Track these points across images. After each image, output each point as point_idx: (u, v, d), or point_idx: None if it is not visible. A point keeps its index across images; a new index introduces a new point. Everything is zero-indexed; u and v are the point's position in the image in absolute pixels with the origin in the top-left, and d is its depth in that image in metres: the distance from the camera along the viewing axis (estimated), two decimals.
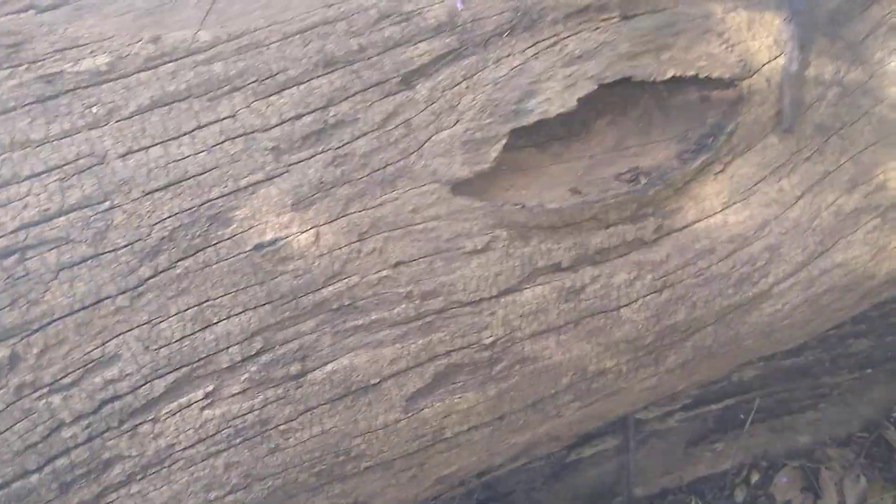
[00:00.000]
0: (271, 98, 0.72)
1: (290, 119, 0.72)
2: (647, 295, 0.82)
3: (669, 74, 0.80)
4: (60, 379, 0.64)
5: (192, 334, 0.67)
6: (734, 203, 0.85)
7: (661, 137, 0.83)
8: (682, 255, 0.83)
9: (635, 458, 1.21)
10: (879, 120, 0.91)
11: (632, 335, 0.83)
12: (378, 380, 0.74)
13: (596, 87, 0.77)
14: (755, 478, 1.25)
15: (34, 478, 0.65)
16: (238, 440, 0.70)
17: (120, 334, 0.66)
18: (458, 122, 0.75)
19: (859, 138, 0.90)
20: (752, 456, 1.27)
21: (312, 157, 0.72)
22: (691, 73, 0.81)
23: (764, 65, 0.85)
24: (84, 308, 0.65)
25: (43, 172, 0.66)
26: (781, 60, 0.86)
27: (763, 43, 0.85)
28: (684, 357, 0.88)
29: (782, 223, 0.87)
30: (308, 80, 0.73)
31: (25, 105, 0.67)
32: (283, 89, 0.72)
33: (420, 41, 0.76)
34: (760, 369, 1.25)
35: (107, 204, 0.66)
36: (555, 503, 1.19)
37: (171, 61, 0.71)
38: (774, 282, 0.88)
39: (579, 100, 0.77)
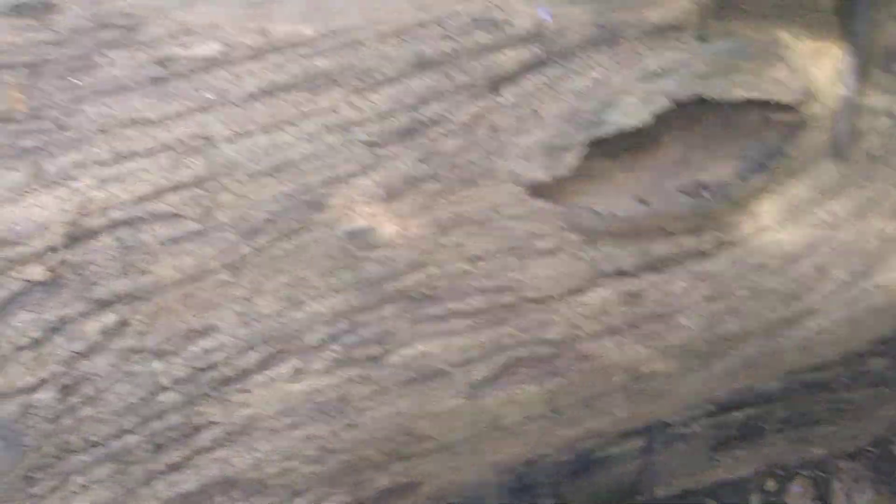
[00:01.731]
0: (368, 94, 0.76)
1: (384, 115, 0.76)
2: (702, 304, 0.86)
3: (738, 96, 0.84)
4: (162, 346, 0.68)
5: (284, 312, 0.71)
6: (787, 222, 0.90)
7: (723, 154, 0.88)
8: (736, 268, 0.87)
9: (659, 460, 1.25)
10: None
11: (684, 341, 0.87)
12: (448, 366, 0.78)
13: (671, 103, 0.81)
14: (770, 485, 1.30)
15: (130, 438, 0.69)
16: (318, 415, 0.74)
17: (219, 307, 0.69)
18: (540, 127, 0.79)
19: None
20: (768, 464, 1.31)
21: (404, 152, 0.75)
22: (758, 96, 0.86)
23: (824, 92, 0.90)
24: (188, 280, 0.69)
25: (156, 150, 0.69)
26: (840, 90, 0.90)
27: (825, 72, 0.90)
28: (729, 365, 0.92)
29: (830, 244, 0.91)
30: (402, 79, 0.77)
31: (140, 85, 0.71)
32: (380, 86, 0.76)
33: (508, 48, 0.80)
34: (783, 381, 1.29)
35: (214, 184, 0.70)
36: (579, 497, 1.23)
37: (277, 53, 0.75)
38: (820, 299, 0.92)
39: (655, 115, 0.81)
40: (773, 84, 0.86)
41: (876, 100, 0.94)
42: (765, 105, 0.88)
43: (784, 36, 0.88)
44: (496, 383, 0.81)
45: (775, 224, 0.89)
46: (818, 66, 0.89)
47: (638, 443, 1.23)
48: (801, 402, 1.29)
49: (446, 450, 0.82)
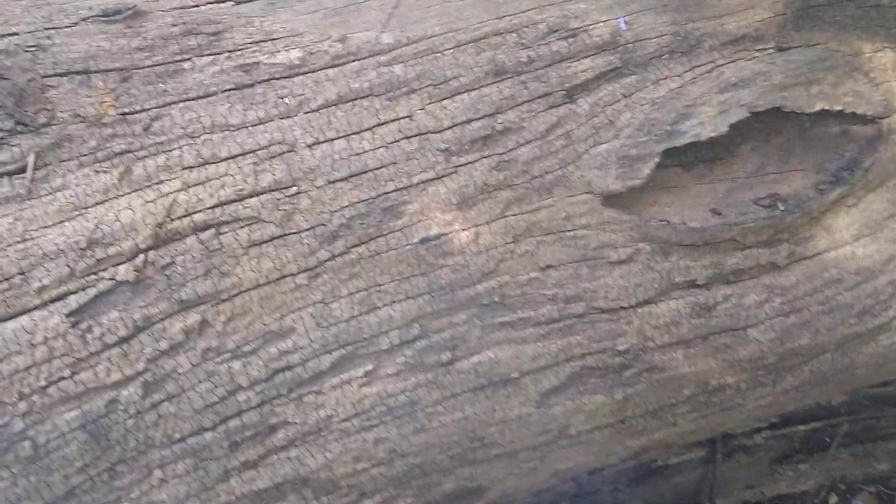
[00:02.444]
0: (445, 102, 0.76)
1: (460, 123, 0.76)
2: (775, 318, 0.85)
3: (818, 107, 0.83)
4: (241, 347, 0.70)
5: (358, 316, 0.73)
6: (864, 236, 0.88)
7: (799, 166, 0.86)
8: (811, 282, 0.86)
9: (720, 471, 1.24)
10: None
11: (755, 355, 0.86)
12: (518, 374, 0.79)
13: (748, 114, 0.81)
14: (833, 500, 1.28)
15: (208, 435, 0.70)
16: (389, 418, 0.75)
17: (296, 310, 0.71)
18: (615, 137, 0.79)
19: None
20: (831, 479, 1.29)
21: (479, 160, 0.76)
22: (837, 107, 0.84)
23: None
24: (268, 283, 0.70)
25: (239, 155, 0.71)
26: None
27: None
28: (801, 380, 0.91)
29: None
30: (479, 88, 0.78)
31: (225, 91, 0.73)
32: (456, 94, 0.77)
33: (584, 57, 0.80)
34: (849, 395, 1.27)
35: (294, 189, 0.71)
36: None
37: (355, 60, 0.76)
38: (895, 315, 0.90)
39: (731, 126, 0.80)
40: (853, 96, 0.85)
41: None
42: (844, 117, 0.86)
43: (866, 47, 0.86)
44: (565, 392, 0.81)
45: (851, 238, 0.88)
46: None
47: (700, 453, 1.22)
48: (866, 416, 1.27)
49: (513, 457, 0.83)
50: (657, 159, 0.79)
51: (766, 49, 0.83)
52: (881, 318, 0.90)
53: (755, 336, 0.85)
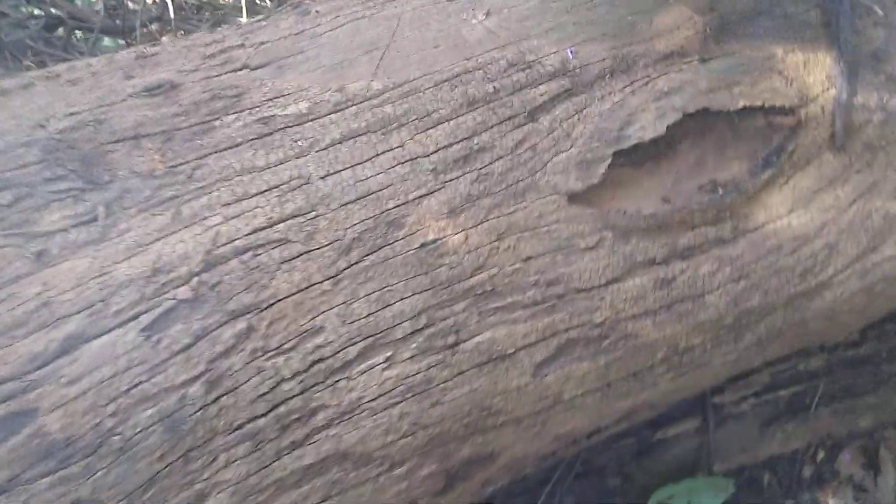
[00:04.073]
0: (429, 131, 0.93)
1: (443, 147, 0.93)
2: (727, 284, 1.01)
3: (740, 105, 0.99)
4: (282, 345, 0.85)
5: (375, 312, 0.88)
6: (797, 209, 1.04)
7: (734, 156, 1.02)
8: (755, 250, 1.01)
9: (714, 438, 1.38)
10: None
11: (714, 317, 1.01)
12: (513, 350, 0.94)
13: (681, 116, 0.97)
14: (821, 455, 1.41)
15: (261, 421, 0.86)
16: (409, 395, 0.90)
17: (324, 311, 0.87)
18: (572, 146, 0.95)
19: None
20: (818, 437, 1.42)
21: (461, 175, 0.92)
22: (758, 103, 1.00)
23: (818, 95, 1.04)
24: (299, 291, 0.86)
25: (266, 190, 0.88)
26: (833, 91, 1.04)
27: (817, 78, 1.04)
28: (758, 336, 1.05)
29: (838, 224, 1.05)
30: (456, 117, 0.94)
31: (249, 140, 0.90)
32: (438, 124, 0.94)
33: (540, 84, 0.97)
34: (825, 360, 1.41)
35: (313, 213, 0.88)
36: (643, 476, 1.37)
37: (353, 105, 0.93)
38: (833, 273, 1.05)
39: (668, 127, 0.97)
40: (770, 92, 1.01)
41: (868, 97, 1.07)
42: (767, 110, 1.03)
43: (778, 51, 1.03)
44: (555, 362, 0.96)
45: (786, 212, 1.03)
46: (811, 74, 1.04)
47: (694, 424, 1.37)
48: (843, 376, 1.41)
49: (517, 423, 0.98)
50: (609, 160, 0.95)
51: (691, 61, 0.99)
52: (821, 277, 1.05)
53: (712, 301, 1.00)
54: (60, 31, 1.72)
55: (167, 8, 1.69)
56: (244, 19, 1.84)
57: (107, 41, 1.79)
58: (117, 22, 1.70)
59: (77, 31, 1.83)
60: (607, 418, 1.05)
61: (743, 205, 1.01)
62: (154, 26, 1.76)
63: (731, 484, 1.32)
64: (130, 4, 1.73)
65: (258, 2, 1.88)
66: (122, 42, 1.75)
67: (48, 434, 0.79)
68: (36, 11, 1.70)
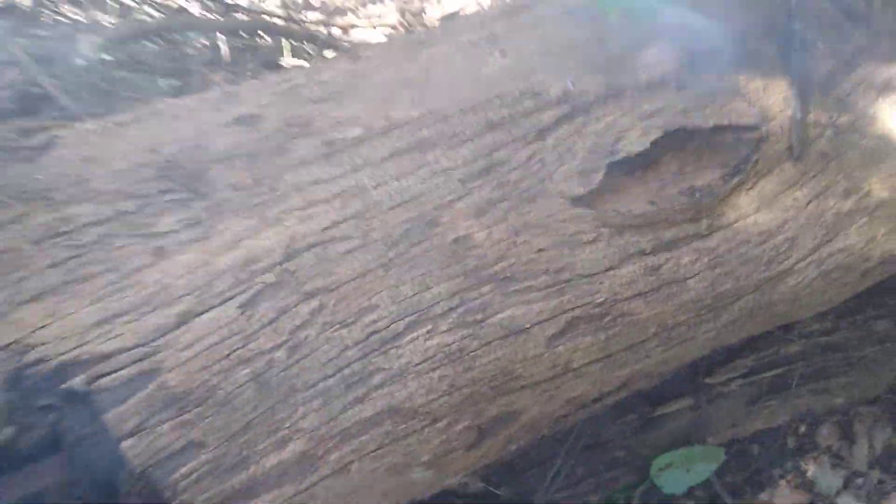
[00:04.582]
0: (457, 149, 1.16)
1: (469, 161, 1.16)
2: (705, 271, 1.22)
3: (711, 123, 1.22)
4: (346, 319, 1.08)
5: (418, 293, 1.10)
6: (762, 209, 1.26)
7: (708, 165, 1.24)
8: (727, 243, 1.23)
9: (706, 415, 1.59)
10: (864, 149, 1.31)
11: (695, 298, 1.22)
12: (529, 325, 1.15)
13: (662, 133, 1.19)
14: (802, 429, 1.61)
15: (330, 381, 1.08)
16: (446, 361, 1.12)
17: (378, 293, 1.09)
18: (574, 159, 1.18)
19: (850, 162, 1.30)
20: (799, 413, 1.63)
21: (484, 184, 1.15)
22: (726, 122, 1.23)
23: (777, 115, 1.26)
24: (358, 277, 1.08)
25: (331, 198, 1.11)
26: (789, 112, 1.27)
27: (775, 101, 1.27)
28: (734, 316, 1.27)
29: (797, 221, 1.26)
30: (478, 137, 1.17)
31: (317, 159, 1.13)
32: (464, 143, 1.17)
33: (547, 109, 1.20)
34: (802, 345, 1.62)
35: (368, 215, 1.10)
36: (644, 448, 1.57)
37: (397, 129, 1.16)
38: (794, 262, 1.27)
39: (652, 142, 1.19)
40: (736, 113, 1.24)
41: (821, 116, 1.30)
42: (735, 128, 1.25)
43: (741, 79, 1.25)
44: (564, 336, 1.18)
45: (753, 211, 1.25)
46: (770, 97, 1.26)
47: (688, 402, 1.58)
48: (819, 361, 1.62)
49: (535, 387, 1.19)
50: (604, 170, 1.17)
51: (669, 89, 1.22)
52: (784, 265, 1.26)
53: (693, 285, 1.22)
54: (124, 73, 1.98)
55: (219, 51, 1.94)
56: (286, 59, 2.10)
57: (160, 82, 2.04)
58: (175, 64, 1.95)
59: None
60: (609, 385, 1.26)
61: (716, 206, 1.23)
62: (204, 70, 2.01)
63: (722, 453, 1.53)
64: (188, 50, 1.99)
65: (296, 43, 2.13)
66: (176, 83, 2.01)
67: (169, 388, 1.01)
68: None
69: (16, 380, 0.98)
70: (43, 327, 1.00)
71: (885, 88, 1.31)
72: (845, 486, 1.51)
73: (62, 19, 2.02)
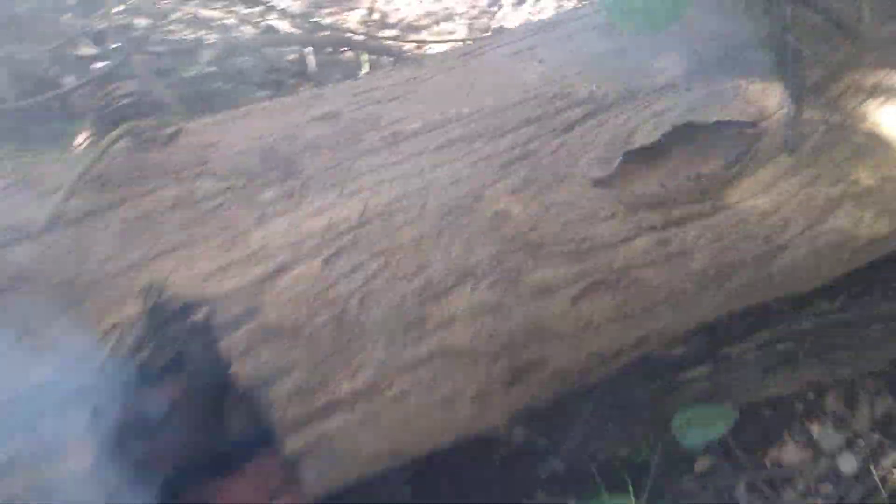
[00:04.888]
0: (499, 139, 1.42)
1: (508, 149, 1.41)
2: (709, 245, 1.44)
3: (714, 119, 1.45)
4: (406, 274, 1.34)
5: (464, 255, 1.35)
6: (759, 193, 1.47)
7: (712, 155, 1.47)
8: (728, 221, 1.45)
9: (723, 382, 1.80)
10: (852, 144, 1.51)
11: (700, 268, 1.45)
12: (556, 285, 1.40)
13: (671, 128, 1.43)
14: (810, 396, 1.81)
15: (393, 324, 1.34)
16: (487, 312, 1.35)
17: (431, 254, 1.35)
18: (596, 148, 1.43)
19: (840, 154, 1.51)
20: (808, 382, 1.82)
21: (520, 168, 1.41)
22: (728, 118, 1.46)
23: (773, 113, 1.48)
24: (415, 241, 1.35)
25: (395, 178, 1.38)
26: (784, 111, 1.49)
27: (772, 102, 1.49)
28: (736, 285, 1.48)
29: (791, 204, 1.48)
30: (517, 130, 1.43)
31: (384, 147, 1.41)
32: (505, 135, 1.42)
33: (575, 107, 1.45)
34: (813, 323, 1.82)
35: (425, 192, 1.36)
36: (667, 410, 1.79)
37: (450, 123, 1.43)
38: (788, 239, 1.48)
39: (662, 135, 1.43)
40: (737, 111, 1.47)
41: (814, 115, 1.51)
42: (735, 123, 1.48)
43: (742, 82, 1.48)
44: (585, 297, 1.42)
45: (751, 195, 1.47)
46: (767, 98, 1.49)
47: (707, 369, 1.79)
48: (827, 336, 1.82)
49: (562, 339, 1.43)
50: (621, 158, 1.42)
51: (679, 91, 1.46)
52: (780, 240, 1.48)
53: (699, 257, 1.45)
54: (226, 84, 2.31)
55: (307, 64, 2.26)
56: (364, 71, 2.40)
57: (257, 92, 2.36)
58: (268, 76, 2.28)
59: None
60: (626, 342, 1.49)
61: (719, 189, 1.46)
62: (294, 80, 2.33)
63: (736, 413, 1.73)
64: (280, 64, 2.31)
65: (374, 57, 2.43)
66: (269, 92, 2.32)
67: (267, 324, 1.29)
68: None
69: (153, 314, 1.28)
70: (173, 273, 1.30)
71: (872, 92, 1.52)
72: (847, 446, 1.69)
73: (173, 38, 2.37)
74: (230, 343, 1.27)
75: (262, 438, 1.34)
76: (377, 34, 2.63)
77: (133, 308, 1.26)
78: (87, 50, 2.34)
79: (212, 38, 2.39)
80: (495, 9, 2.57)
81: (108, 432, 1.24)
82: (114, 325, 1.24)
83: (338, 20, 2.67)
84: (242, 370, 1.27)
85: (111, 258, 1.28)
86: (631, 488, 1.68)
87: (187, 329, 1.28)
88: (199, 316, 1.28)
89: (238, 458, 1.41)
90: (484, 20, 2.77)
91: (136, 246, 1.31)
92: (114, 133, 1.33)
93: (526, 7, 2.41)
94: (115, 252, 1.28)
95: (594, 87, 1.45)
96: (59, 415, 1.22)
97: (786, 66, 1.47)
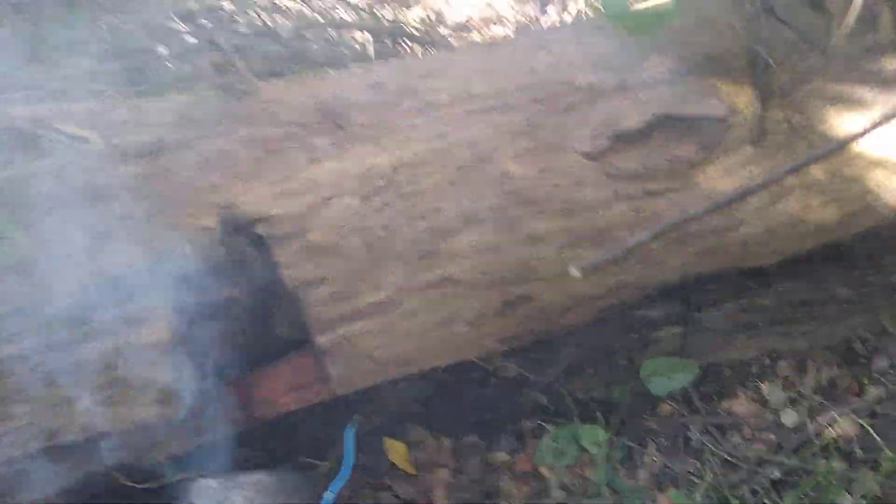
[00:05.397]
0: (510, 113, 1.74)
1: (516, 123, 1.73)
2: (677, 213, 1.76)
3: (689, 112, 1.76)
4: (424, 214, 1.68)
5: (473, 204, 1.70)
6: (724, 177, 1.78)
7: (686, 142, 1.78)
8: (695, 197, 1.76)
9: (691, 342, 2.10)
10: (810, 142, 1.81)
11: (667, 231, 1.76)
12: (545, 235, 1.72)
13: (652, 117, 1.75)
14: (766, 361, 2.10)
15: (410, 252, 1.68)
16: (487, 251, 1.69)
17: (446, 200, 1.69)
18: (588, 128, 1.75)
19: (797, 150, 1.80)
20: (765, 349, 2.11)
21: (524, 138, 1.73)
22: (701, 113, 1.77)
23: (742, 110, 1.79)
24: (434, 188, 1.69)
25: (424, 140, 1.72)
26: (752, 108, 1.79)
27: (742, 100, 1.79)
28: (696, 249, 1.79)
29: (749, 187, 1.79)
30: (525, 107, 1.76)
31: (418, 113, 1.75)
32: (514, 110, 1.75)
33: (574, 94, 1.77)
34: (775, 297, 2.11)
35: (448, 151, 1.71)
36: (641, 360, 2.09)
37: (472, 98, 1.76)
38: (746, 216, 1.79)
39: (645, 122, 1.75)
40: (711, 107, 1.78)
41: (778, 114, 1.81)
42: (707, 117, 1.79)
43: (716, 82, 1.79)
44: (569, 248, 1.74)
45: (717, 177, 1.78)
46: (738, 97, 1.79)
47: (679, 329, 2.10)
48: (787, 311, 2.11)
49: (547, 281, 1.75)
50: (609, 137, 1.74)
51: (663, 85, 1.78)
52: (738, 216, 1.78)
53: (667, 222, 1.76)
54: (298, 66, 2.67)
55: (367, 50, 2.62)
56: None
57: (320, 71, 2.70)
58: (332, 58, 2.64)
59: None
60: (600, 289, 1.80)
61: (689, 170, 1.76)
62: (355, 64, 2.68)
63: (698, 367, 2.04)
64: (343, 50, 2.68)
65: (427, 48, 2.78)
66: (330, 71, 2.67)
67: (312, 242, 1.64)
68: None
69: (224, 225, 1.64)
70: (242, 196, 1.65)
71: (832, 99, 1.81)
72: (791, 403, 1.99)
73: (254, 20, 2.76)
74: (281, 254, 1.62)
75: (299, 336, 1.70)
76: (433, 30, 2.98)
77: (210, 220, 1.61)
78: (178, 26, 2.74)
79: (287, 22, 2.76)
80: (542, 16, 2.89)
81: (182, 314, 1.60)
82: (194, 231, 1.60)
83: (398, 16, 3.03)
84: (289, 276, 1.62)
85: (195, 180, 1.64)
86: (602, 422, 1.99)
87: (252, 240, 1.64)
88: (259, 230, 1.63)
89: (277, 352, 1.77)
90: (530, 26, 3.08)
91: (214, 172, 1.67)
92: (203, 85, 1.69)
93: (568, 17, 2.71)
94: (198, 175, 1.65)
95: (592, 78, 1.77)
96: (146, 295, 1.58)
97: (756, 72, 1.77)
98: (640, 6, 1.69)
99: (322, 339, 1.65)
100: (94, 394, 1.55)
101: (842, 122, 1.80)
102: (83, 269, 1.55)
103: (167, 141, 1.66)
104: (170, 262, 1.58)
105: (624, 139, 1.75)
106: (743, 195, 1.72)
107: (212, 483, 1.65)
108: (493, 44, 1.81)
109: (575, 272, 1.64)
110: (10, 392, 1.54)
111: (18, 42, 2.27)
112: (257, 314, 1.72)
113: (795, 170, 1.68)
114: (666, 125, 1.77)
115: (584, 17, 2.42)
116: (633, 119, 1.73)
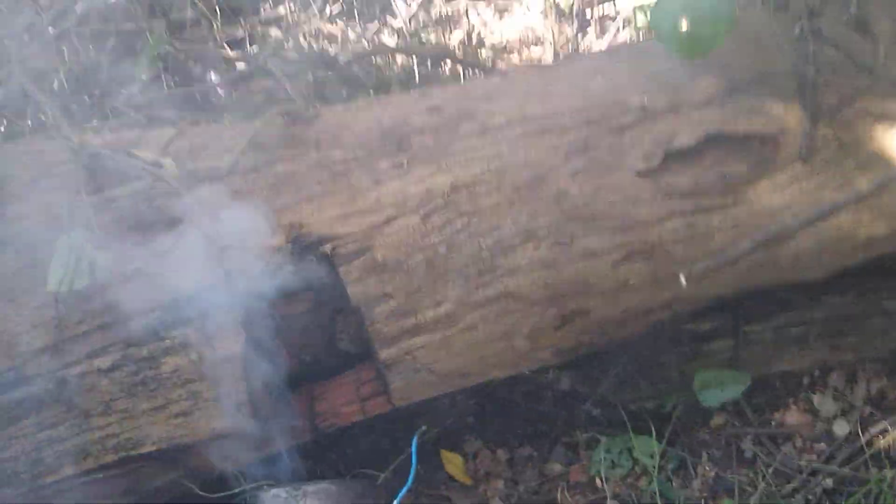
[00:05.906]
0: (565, 135, 1.80)
1: (572, 143, 1.79)
2: (728, 230, 1.79)
3: (741, 131, 1.81)
4: (483, 232, 1.74)
5: (530, 222, 1.76)
6: (774, 193, 1.82)
7: (738, 160, 1.82)
8: (747, 213, 1.80)
9: (742, 354, 2.13)
10: (859, 159, 1.85)
11: (720, 247, 1.81)
12: (601, 251, 1.78)
13: (703, 135, 1.80)
14: (816, 373, 2.13)
15: (470, 269, 1.74)
16: (544, 267, 1.75)
17: (504, 218, 1.75)
18: (642, 147, 1.80)
19: (847, 167, 1.84)
20: (815, 362, 2.14)
21: (580, 158, 1.79)
22: (752, 131, 1.82)
23: (792, 129, 1.83)
24: (492, 207, 1.75)
25: (479, 158, 1.78)
26: (801, 128, 1.83)
27: (792, 119, 1.83)
28: (747, 265, 1.83)
29: (800, 203, 1.82)
30: (579, 128, 1.81)
31: (475, 135, 1.81)
32: (570, 131, 1.81)
33: (628, 114, 1.82)
34: (824, 311, 2.14)
35: (503, 171, 1.77)
36: (692, 373, 2.13)
37: (528, 120, 1.82)
38: (795, 231, 1.82)
39: (696, 141, 1.80)
40: (761, 125, 1.82)
41: (827, 133, 1.85)
42: (758, 136, 1.84)
43: (767, 102, 1.84)
44: (624, 262, 1.79)
45: (768, 194, 1.82)
46: (787, 116, 1.84)
47: (730, 343, 2.14)
48: (836, 324, 2.14)
49: (602, 295, 1.81)
50: (662, 156, 1.79)
51: (714, 105, 1.83)
52: (788, 231, 1.82)
53: (719, 238, 1.80)
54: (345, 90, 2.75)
55: (412, 74, 2.70)
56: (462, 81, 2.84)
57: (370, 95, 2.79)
58: (379, 82, 2.72)
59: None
60: (655, 303, 1.86)
61: (741, 187, 1.81)
62: (401, 87, 2.76)
63: (749, 378, 2.07)
64: (388, 73, 2.76)
65: (470, 70, 2.85)
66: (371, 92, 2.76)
67: (375, 260, 1.71)
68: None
69: (293, 244, 1.71)
70: (309, 217, 1.73)
71: (880, 117, 1.85)
72: (842, 414, 2.02)
73: (301, 47, 2.86)
74: (347, 271, 1.70)
75: (361, 350, 1.77)
76: (473, 53, 3.05)
77: (279, 240, 1.69)
78: (230, 53, 2.84)
79: (333, 48, 2.85)
80: (580, 35, 2.95)
81: (253, 329, 1.68)
82: (265, 250, 1.67)
83: (440, 39, 3.11)
84: (354, 293, 1.69)
85: (266, 202, 1.72)
86: (655, 433, 2.03)
87: (317, 257, 1.71)
88: (326, 249, 1.71)
89: (340, 366, 1.84)
90: (569, 47, 3.14)
91: (283, 194, 1.74)
92: (273, 111, 1.78)
93: (607, 37, 2.77)
94: (269, 197, 1.72)
95: (645, 100, 1.83)
96: (220, 311, 1.66)
97: (805, 91, 1.82)
98: (691, 28, 1.74)
99: (384, 353, 1.72)
100: (171, 406, 1.62)
101: (890, 140, 1.83)
102: (162, 287, 1.63)
103: (238, 165, 1.74)
104: (242, 279, 1.66)
105: (677, 157, 1.80)
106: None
107: (281, 493, 1.72)
108: (546, 66, 1.88)
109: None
110: (92, 405, 1.62)
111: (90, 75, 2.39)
112: (322, 329, 1.79)
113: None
114: (718, 143, 1.82)
115: (634, 40, 2.48)
116: (685, 137, 1.78)
